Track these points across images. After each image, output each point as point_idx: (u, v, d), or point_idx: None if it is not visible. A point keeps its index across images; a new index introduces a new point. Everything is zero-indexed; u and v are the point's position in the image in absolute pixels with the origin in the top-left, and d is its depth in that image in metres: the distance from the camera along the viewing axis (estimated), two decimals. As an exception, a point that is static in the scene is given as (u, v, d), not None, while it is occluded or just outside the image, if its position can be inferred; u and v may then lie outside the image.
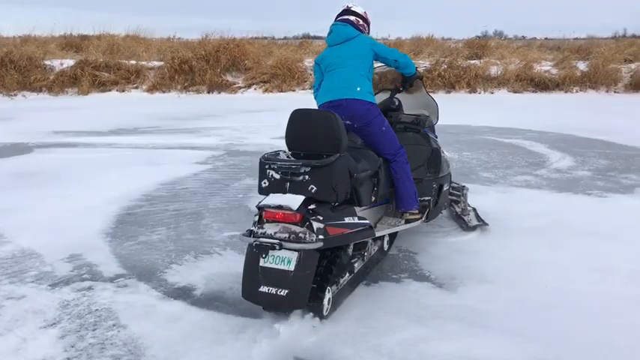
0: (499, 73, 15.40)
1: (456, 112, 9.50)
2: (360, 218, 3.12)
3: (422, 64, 15.36)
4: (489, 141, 8.19)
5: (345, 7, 3.90)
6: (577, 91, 14.91)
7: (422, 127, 4.03)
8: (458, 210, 4.60)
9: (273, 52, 17.15)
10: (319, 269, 2.88)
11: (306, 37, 28.45)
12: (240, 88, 15.20)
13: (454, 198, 4.59)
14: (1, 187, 5.56)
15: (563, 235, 4.15)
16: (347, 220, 2.98)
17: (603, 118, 10.54)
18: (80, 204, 5.00)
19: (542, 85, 15.06)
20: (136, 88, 15.19)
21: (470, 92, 14.81)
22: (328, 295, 2.89)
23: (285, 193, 2.88)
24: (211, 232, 4.36)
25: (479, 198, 5.06)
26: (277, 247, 2.71)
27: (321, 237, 2.75)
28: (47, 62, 15.54)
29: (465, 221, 4.40)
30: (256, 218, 2.87)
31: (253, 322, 2.90)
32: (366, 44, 3.71)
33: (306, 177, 2.86)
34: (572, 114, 11.28)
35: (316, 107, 3.63)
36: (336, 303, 3.00)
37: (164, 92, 14.98)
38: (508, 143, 8.04)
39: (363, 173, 3.14)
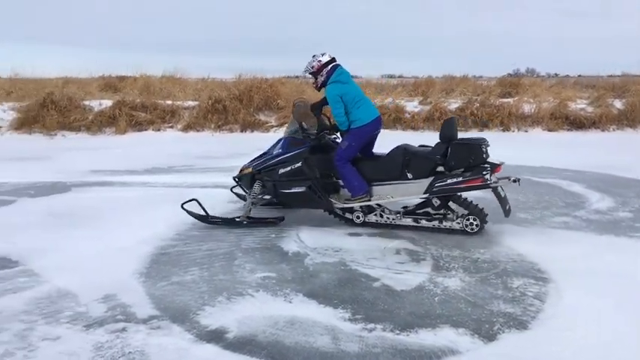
0: (533, 111, 15.24)
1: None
2: None
3: (454, 102, 15.34)
4: (525, 180, 8.03)
5: (331, 56, 5.50)
6: (614, 130, 14.63)
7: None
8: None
9: (304, 92, 17.36)
10: None
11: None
12: (272, 126, 15.38)
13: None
14: (39, 227, 5.65)
15: (604, 280, 4.00)
16: None
17: (642, 157, 10.27)
18: (115, 244, 5.04)
19: (577, 123, 14.83)
20: (171, 127, 15.49)
21: (503, 131, 14.66)
22: None
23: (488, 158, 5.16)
24: (244, 272, 4.34)
25: (515, 240, 4.99)
26: (517, 182, 5.19)
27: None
28: (86, 103, 16.01)
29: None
30: (487, 174, 5.06)
31: (286, 368, 2.84)
32: None
33: (489, 148, 5.21)
34: (609, 153, 11.04)
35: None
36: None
37: (198, 131, 15.24)
38: (544, 183, 7.89)
39: None
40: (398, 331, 3.29)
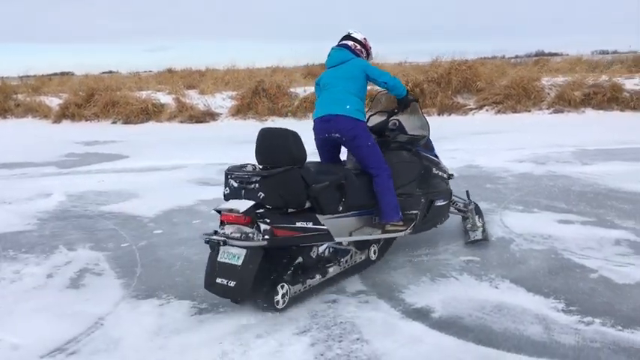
0: None
1: None
2: (316, 224, 3.46)
3: None
4: None
5: (346, 33, 4.28)
6: None
7: (414, 146, 4.34)
8: (467, 225, 4.76)
9: (506, 72, 16.54)
10: (276, 266, 3.33)
11: (540, 54, 26.95)
12: (471, 109, 14.95)
13: (462, 214, 4.86)
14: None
15: None
16: (298, 224, 3.37)
17: None
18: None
19: None
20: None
21: None
22: (281, 291, 3.32)
23: (241, 199, 3.31)
24: (447, 255, 4.33)
25: None
26: (222, 244, 3.18)
27: (266, 237, 3.18)
28: (292, 90, 17.14)
29: (470, 236, 4.58)
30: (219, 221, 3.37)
31: (497, 355, 2.80)
32: (359, 67, 4.05)
33: (256, 185, 3.27)
34: None
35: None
36: (298, 299, 3.46)
37: (394, 115, 15.42)
38: None
39: (320, 185, 3.46)
40: (620, 327, 3.03)
